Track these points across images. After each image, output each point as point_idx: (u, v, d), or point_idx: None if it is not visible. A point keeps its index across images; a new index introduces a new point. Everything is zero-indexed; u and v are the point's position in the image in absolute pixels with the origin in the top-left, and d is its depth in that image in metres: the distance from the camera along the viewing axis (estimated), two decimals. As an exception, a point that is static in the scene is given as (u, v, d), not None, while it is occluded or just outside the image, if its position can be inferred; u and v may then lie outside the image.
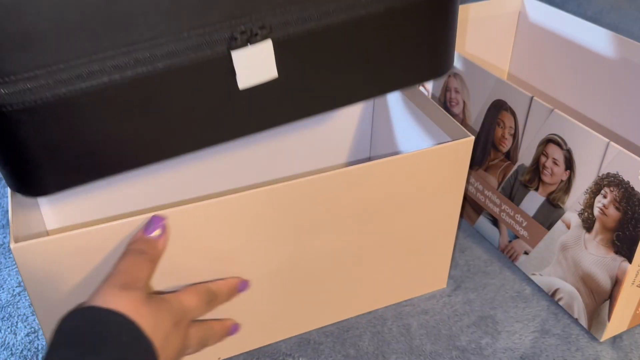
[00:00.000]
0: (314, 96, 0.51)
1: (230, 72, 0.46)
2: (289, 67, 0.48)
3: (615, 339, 0.66)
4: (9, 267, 0.75)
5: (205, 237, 0.53)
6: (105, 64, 0.42)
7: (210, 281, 0.54)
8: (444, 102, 0.79)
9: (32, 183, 0.47)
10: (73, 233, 0.48)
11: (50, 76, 0.41)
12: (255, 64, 0.46)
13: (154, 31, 0.42)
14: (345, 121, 0.78)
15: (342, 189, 0.56)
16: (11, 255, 0.76)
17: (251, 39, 0.45)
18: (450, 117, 0.64)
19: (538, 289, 0.72)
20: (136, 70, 0.43)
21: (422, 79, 0.55)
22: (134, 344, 0.42)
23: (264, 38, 0.45)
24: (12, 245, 0.46)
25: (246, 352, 0.64)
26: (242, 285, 0.57)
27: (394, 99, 0.73)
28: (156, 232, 0.48)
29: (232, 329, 0.59)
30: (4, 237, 0.79)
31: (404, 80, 0.54)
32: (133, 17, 0.41)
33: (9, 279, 0.73)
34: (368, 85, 0.53)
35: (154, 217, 0.48)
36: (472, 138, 0.61)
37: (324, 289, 0.64)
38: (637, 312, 0.65)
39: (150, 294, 0.46)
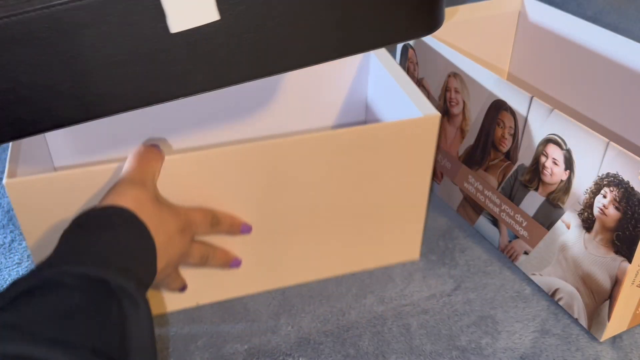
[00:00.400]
0: (271, 50, 0.43)
1: (159, 11, 0.39)
2: (235, 9, 0.40)
3: (615, 339, 0.66)
4: (9, 267, 0.75)
5: (185, 186, 0.58)
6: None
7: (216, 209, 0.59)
8: (444, 102, 0.79)
9: None
10: (59, 174, 0.53)
11: None
12: (189, 2, 0.38)
13: None
14: (341, 82, 0.81)
15: (314, 153, 0.61)
16: (11, 255, 0.76)
17: None
18: (422, 93, 0.68)
19: (538, 289, 0.72)
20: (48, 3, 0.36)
21: (404, 38, 0.47)
22: (131, 228, 0.45)
23: None
24: (4, 181, 0.53)
25: (246, 351, 0.64)
26: (244, 227, 0.61)
27: (389, 64, 0.76)
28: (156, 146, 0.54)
29: (234, 261, 0.64)
30: (4, 237, 0.79)
31: (378, 36, 0.46)
32: None
33: (9, 278, 0.73)
34: (337, 40, 0.45)
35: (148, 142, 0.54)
36: (439, 115, 0.64)
37: (300, 247, 0.69)
38: (637, 312, 0.65)
39: (159, 198, 0.50)
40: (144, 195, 0.48)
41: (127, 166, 0.52)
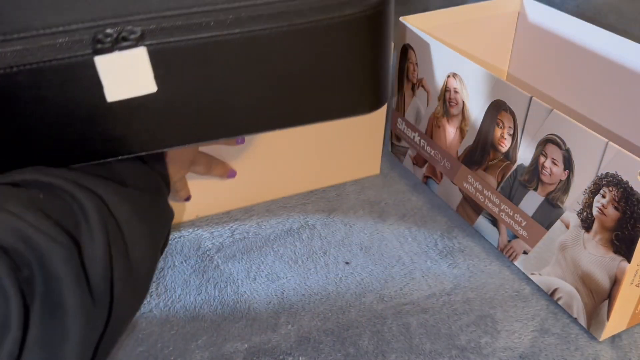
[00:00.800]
0: (208, 120, 0.44)
1: (97, 81, 0.40)
2: (173, 83, 0.41)
3: (615, 339, 0.66)
4: (9, 266, 0.75)
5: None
6: None
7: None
8: (444, 102, 0.79)
9: None
10: None
11: None
12: (126, 74, 0.40)
13: (3, 25, 0.37)
14: None
15: None
16: (12, 255, 0.76)
17: (118, 43, 0.39)
18: None
19: (537, 288, 0.72)
20: None
21: (344, 115, 0.47)
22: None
23: (135, 44, 0.39)
24: None
25: (246, 350, 0.64)
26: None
27: None
28: None
29: (231, 172, 0.77)
30: (5, 236, 0.79)
31: (318, 112, 0.46)
32: None
33: (9, 278, 0.73)
34: (273, 113, 0.45)
35: None
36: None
37: (265, 164, 0.79)
38: (636, 311, 0.65)
39: None
40: None
41: None
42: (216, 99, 0.43)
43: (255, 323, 0.67)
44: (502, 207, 0.74)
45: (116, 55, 0.39)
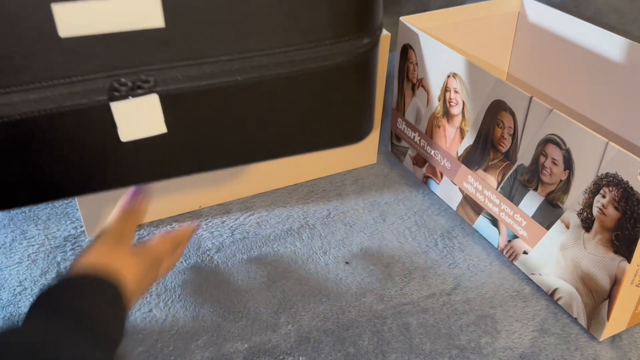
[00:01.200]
0: (211, 153, 0.49)
1: (112, 123, 0.44)
2: (182, 123, 0.46)
3: (615, 339, 0.66)
4: (9, 266, 0.75)
5: None
6: None
7: (173, 231, 0.63)
8: (444, 102, 0.79)
9: None
10: None
11: None
12: (139, 118, 0.44)
13: (27, 75, 0.40)
14: None
15: None
16: (12, 255, 0.76)
17: (132, 91, 0.43)
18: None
19: (537, 288, 0.72)
20: (8, 112, 0.41)
21: (331, 145, 0.52)
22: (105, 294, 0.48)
23: (148, 92, 0.43)
24: None
25: (246, 350, 0.64)
26: (197, 227, 0.75)
27: None
28: (141, 197, 0.58)
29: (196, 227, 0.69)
30: (5, 236, 0.80)
31: (310, 144, 0.52)
32: (6, 59, 0.40)
33: (9, 278, 0.73)
34: (270, 146, 0.51)
35: (136, 187, 0.58)
36: (388, 35, 0.74)
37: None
38: (636, 311, 0.65)
39: (133, 244, 0.55)
40: (125, 251, 0.53)
41: (111, 223, 0.56)
42: (219, 135, 0.47)
43: (256, 323, 0.67)
44: (502, 207, 0.74)
45: (130, 102, 0.43)
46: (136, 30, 0.41)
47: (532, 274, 0.72)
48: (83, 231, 0.79)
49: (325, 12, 0.44)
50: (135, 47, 0.41)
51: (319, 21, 0.45)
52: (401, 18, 0.83)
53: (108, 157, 0.45)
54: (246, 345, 0.65)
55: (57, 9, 0.38)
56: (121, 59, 0.42)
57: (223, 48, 0.43)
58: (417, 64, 0.83)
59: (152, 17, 0.40)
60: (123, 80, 0.42)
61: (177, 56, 0.43)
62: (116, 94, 0.42)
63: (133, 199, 0.58)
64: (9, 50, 0.39)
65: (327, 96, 0.48)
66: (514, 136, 0.69)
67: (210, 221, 0.81)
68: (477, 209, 0.79)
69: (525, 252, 0.72)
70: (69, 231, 0.80)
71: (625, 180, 0.57)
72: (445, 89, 0.78)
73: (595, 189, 0.61)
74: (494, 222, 0.76)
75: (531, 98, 0.65)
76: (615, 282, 0.61)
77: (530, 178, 0.68)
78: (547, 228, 0.68)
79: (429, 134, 0.84)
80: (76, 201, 0.79)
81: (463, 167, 0.79)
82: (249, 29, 0.43)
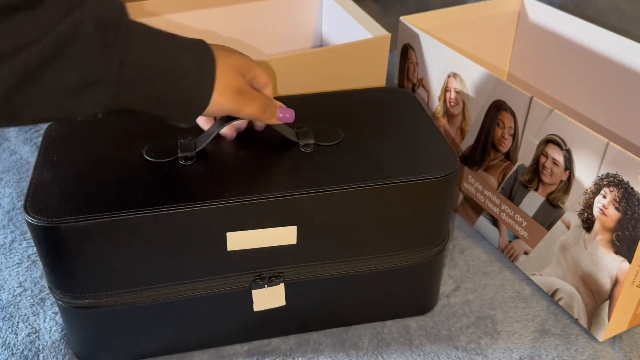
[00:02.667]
0: (314, 320, 0.66)
1: (250, 300, 0.62)
2: (296, 299, 0.63)
3: (615, 339, 0.66)
4: (9, 267, 0.75)
5: None
6: (160, 291, 0.59)
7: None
8: (444, 102, 0.79)
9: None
10: None
11: (119, 296, 0.58)
12: (269, 297, 0.62)
13: (197, 274, 0.59)
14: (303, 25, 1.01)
15: (280, 73, 0.75)
16: (11, 255, 0.76)
17: (268, 283, 0.61)
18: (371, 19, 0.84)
19: (538, 289, 0.72)
20: (180, 295, 0.60)
21: (401, 315, 0.68)
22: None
23: (278, 283, 0.61)
24: None
25: (246, 352, 0.64)
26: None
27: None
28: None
29: (290, 115, 0.61)
30: (4, 237, 0.79)
31: (389, 314, 0.68)
32: (184, 264, 0.58)
33: (9, 279, 0.73)
34: (358, 314, 0.67)
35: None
36: (389, 35, 0.78)
37: None
38: (637, 312, 0.65)
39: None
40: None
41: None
42: (321, 308, 0.65)
43: (255, 324, 0.67)
44: (502, 208, 0.74)
45: (265, 289, 0.61)
46: (277, 246, 0.58)
47: (533, 274, 0.72)
48: (83, 232, 0.79)
49: (409, 234, 0.61)
50: (274, 255, 0.59)
51: (403, 239, 0.61)
52: (401, 18, 0.83)
53: (244, 321, 0.63)
54: (246, 348, 0.65)
55: (229, 235, 0.56)
56: (264, 262, 0.59)
57: (336, 255, 0.61)
58: (417, 63, 0.83)
59: (289, 239, 0.58)
60: (263, 275, 0.60)
61: (302, 260, 0.60)
62: (257, 284, 0.60)
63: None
64: (185, 255, 0.57)
65: (404, 283, 0.65)
66: (514, 136, 0.69)
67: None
68: (478, 209, 0.79)
69: (525, 253, 0.72)
70: (69, 232, 0.80)
71: (625, 180, 0.57)
72: (446, 89, 0.78)
73: (595, 190, 0.60)
74: (495, 222, 0.76)
75: (532, 98, 0.65)
76: (616, 283, 0.61)
77: (531, 178, 0.68)
78: (548, 228, 0.68)
79: (429, 134, 0.84)
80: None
81: (463, 167, 0.79)
82: (356, 244, 0.61)
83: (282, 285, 0.61)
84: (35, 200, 0.54)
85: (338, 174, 0.58)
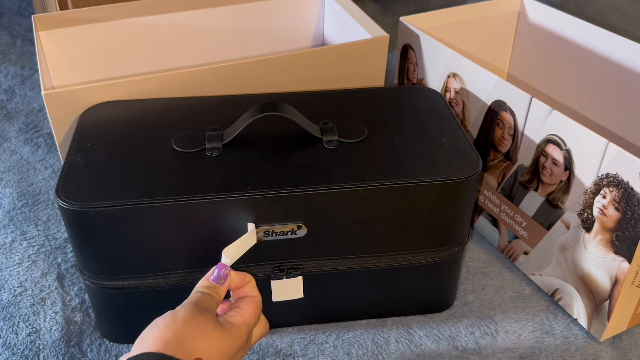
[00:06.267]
0: (330, 310, 0.67)
1: (269, 290, 0.63)
2: (314, 292, 0.64)
3: (615, 339, 0.66)
4: (9, 267, 0.75)
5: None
6: (183, 276, 0.61)
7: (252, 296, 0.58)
8: (444, 102, 0.79)
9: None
10: (93, 85, 0.68)
11: (143, 280, 0.60)
12: (287, 288, 0.63)
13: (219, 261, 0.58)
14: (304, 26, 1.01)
15: (280, 72, 0.75)
16: (12, 256, 0.76)
17: (286, 275, 0.62)
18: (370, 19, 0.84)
19: (537, 289, 0.72)
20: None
21: (420, 312, 0.69)
22: None
23: (296, 275, 0.62)
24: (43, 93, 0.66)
25: (249, 353, 0.64)
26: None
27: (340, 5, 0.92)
28: (220, 281, 0.55)
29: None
30: (5, 237, 0.79)
31: (405, 310, 0.69)
32: (207, 251, 0.59)
33: (10, 279, 0.73)
34: (374, 309, 0.68)
35: (219, 264, 0.55)
36: (387, 36, 0.78)
37: None
38: (637, 312, 0.65)
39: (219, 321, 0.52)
40: (209, 320, 0.50)
41: (191, 298, 0.53)
42: (337, 300, 0.66)
43: (255, 324, 0.67)
44: (502, 208, 0.74)
45: (284, 280, 0.62)
46: (296, 238, 0.59)
47: (533, 274, 0.72)
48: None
49: (427, 234, 0.62)
50: (293, 247, 0.60)
51: (421, 239, 0.62)
52: (401, 18, 0.83)
53: (264, 310, 0.61)
54: (246, 346, 0.65)
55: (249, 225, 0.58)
56: (284, 254, 0.61)
57: (355, 251, 0.62)
58: (417, 64, 0.83)
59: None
60: (282, 267, 0.61)
61: (321, 254, 0.61)
62: (276, 274, 0.61)
63: (219, 272, 0.55)
64: (208, 244, 0.58)
65: (422, 280, 0.66)
66: (514, 136, 0.69)
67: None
68: (477, 209, 0.79)
69: (525, 253, 0.72)
70: (69, 232, 0.80)
71: (625, 180, 0.57)
72: (446, 89, 0.78)
73: (595, 190, 0.60)
74: (494, 222, 0.76)
75: (531, 98, 0.65)
76: (616, 283, 0.61)
77: (531, 178, 0.68)
78: (548, 228, 0.68)
79: (429, 134, 0.84)
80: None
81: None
82: (375, 241, 0.61)
83: (300, 278, 0.62)
84: (67, 185, 0.56)
85: (359, 171, 0.59)
